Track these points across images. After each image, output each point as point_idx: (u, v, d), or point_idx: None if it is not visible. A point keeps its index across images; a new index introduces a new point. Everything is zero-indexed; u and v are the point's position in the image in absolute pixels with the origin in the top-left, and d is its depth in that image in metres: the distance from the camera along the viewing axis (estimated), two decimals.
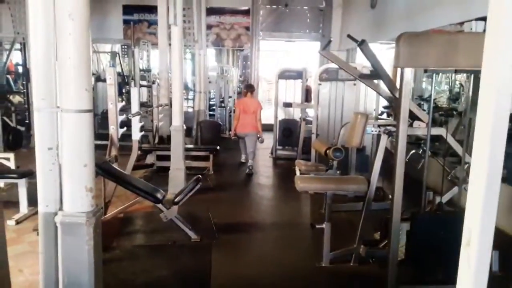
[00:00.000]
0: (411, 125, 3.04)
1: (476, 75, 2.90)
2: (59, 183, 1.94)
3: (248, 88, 6.92)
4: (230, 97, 10.67)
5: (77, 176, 1.91)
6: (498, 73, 0.97)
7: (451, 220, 2.79)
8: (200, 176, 3.84)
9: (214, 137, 8.20)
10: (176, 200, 3.67)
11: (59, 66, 1.87)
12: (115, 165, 4.35)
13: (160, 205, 3.65)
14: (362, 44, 3.43)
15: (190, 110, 10.53)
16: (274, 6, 11.01)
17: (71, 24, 1.80)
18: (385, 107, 8.04)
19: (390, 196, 4.80)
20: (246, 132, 6.66)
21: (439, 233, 2.73)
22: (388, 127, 3.18)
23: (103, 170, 3.64)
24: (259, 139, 6.65)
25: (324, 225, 3.24)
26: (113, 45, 11.22)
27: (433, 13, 5.64)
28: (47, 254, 1.95)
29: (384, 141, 3.21)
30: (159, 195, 3.65)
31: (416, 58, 2.45)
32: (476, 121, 1.04)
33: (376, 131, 3.32)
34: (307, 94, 8.07)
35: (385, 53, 10.35)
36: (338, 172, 4.47)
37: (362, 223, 3.28)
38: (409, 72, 2.51)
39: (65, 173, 1.92)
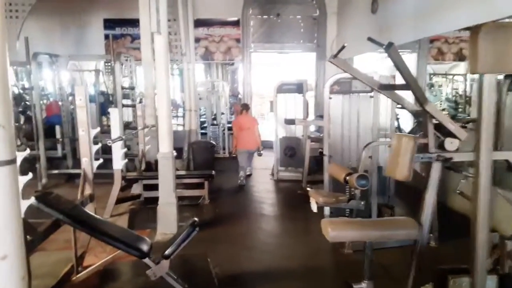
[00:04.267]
0: (442, 143, 2.40)
1: None
2: None
3: (243, 107, 7.33)
4: (222, 113, 9.90)
5: None
6: None
7: None
8: (196, 219, 3.02)
9: (207, 159, 7.39)
10: (166, 253, 2.85)
11: None
12: (90, 207, 3.54)
13: (146, 260, 2.84)
14: (389, 47, 2.75)
15: (180, 128, 9.73)
16: (266, 16, 10.36)
17: None
18: None
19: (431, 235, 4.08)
20: (249, 149, 6.91)
21: None
22: (443, 154, 2.43)
23: (71, 218, 2.83)
24: (258, 152, 6.98)
25: (363, 285, 2.46)
26: (97, 63, 10.47)
27: (445, 17, 4.98)
28: None
29: (437, 171, 2.45)
30: (144, 247, 2.83)
31: (503, 59, 1.72)
32: None
33: (426, 158, 2.55)
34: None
35: (383, 62, 9.74)
36: (362, 203, 3.71)
37: (413, 278, 2.49)
38: (492, 80, 1.78)
39: None
